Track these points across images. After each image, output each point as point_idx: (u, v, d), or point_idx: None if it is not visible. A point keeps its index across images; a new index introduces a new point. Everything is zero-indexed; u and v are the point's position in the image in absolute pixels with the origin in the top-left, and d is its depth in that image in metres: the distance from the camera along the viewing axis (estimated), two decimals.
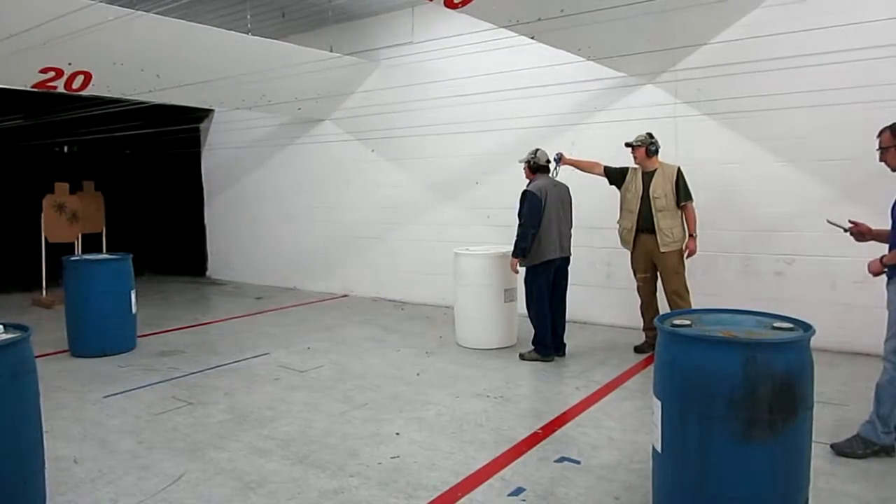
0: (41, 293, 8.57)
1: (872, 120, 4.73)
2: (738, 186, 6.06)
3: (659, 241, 5.46)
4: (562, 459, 3.60)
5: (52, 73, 6.23)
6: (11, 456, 2.69)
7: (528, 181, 5.64)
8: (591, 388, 4.84)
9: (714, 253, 6.07)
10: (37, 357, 2.96)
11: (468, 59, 7.55)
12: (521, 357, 5.63)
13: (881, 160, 3.69)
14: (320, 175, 9.35)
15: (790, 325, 2.77)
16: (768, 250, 5.93)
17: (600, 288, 6.89)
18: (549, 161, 5.67)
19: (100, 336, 5.95)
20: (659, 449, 2.75)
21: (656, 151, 5.56)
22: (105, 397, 4.78)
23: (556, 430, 4.03)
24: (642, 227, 5.56)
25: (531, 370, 5.36)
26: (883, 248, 3.61)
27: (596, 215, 6.47)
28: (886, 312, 3.55)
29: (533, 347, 5.62)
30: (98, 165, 10.77)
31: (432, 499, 3.17)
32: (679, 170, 5.51)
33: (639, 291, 5.78)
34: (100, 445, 3.89)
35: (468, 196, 7.86)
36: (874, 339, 4.31)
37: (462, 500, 3.15)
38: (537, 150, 5.67)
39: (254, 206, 10.29)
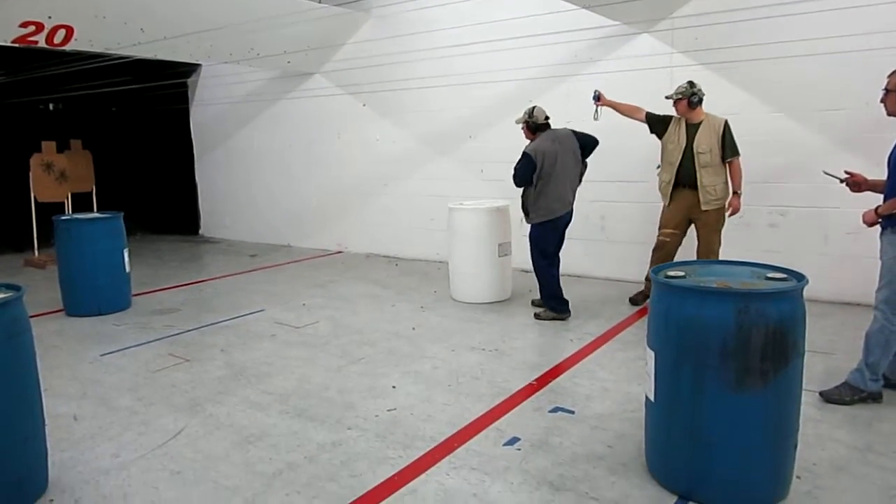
0: (33, 253, 8.53)
1: (870, 69, 4.68)
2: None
3: (701, 198, 5.20)
4: (556, 410, 3.66)
5: (32, 28, 6.05)
6: (10, 414, 2.70)
7: (528, 142, 5.34)
8: (585, 341, 4.89)
9: None
10: (32, 317, 2.95)
11: (460, 8, 7.37)
12: (538, 317, 5.46)
13: (882, 101, 3.63)
14: (312, 130, 9.22)
15: (784, 276, 2.78)
16: (762, 202, 5.92)
17: (594, 242, 6.89)
18: (547, 118, 5.32)
19: (94, 295, 5.94)
20: (652, 398, 2.80)
21: (700, 102, 5.22)
22: (102, 355, 4.81)
23: (550, 382, 4.08)
24: (682, 182, 5.27)
25: (525, 324, 5.39)
26: (878, 199, 3.61)
27: (590, 167, 6.42)
28: (879, 262, 3.57)
29: (547, 306, 5.49)
30: (85, 123, 10.59)
31: (429, 449, 3.22)
32: (726, 123, 5.19)
33: (660, 246, 5.48)
34: (99, 403, 3.92)
35: (462, 150, 7.78)
36: (865, 289, 4.35)
37: (458, 450, 3.21)
38: (534, 107, 5.34)
39: (245, 163, 10.17)
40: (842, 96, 5.43)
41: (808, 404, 3.44)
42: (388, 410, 3.71)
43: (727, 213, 5.30)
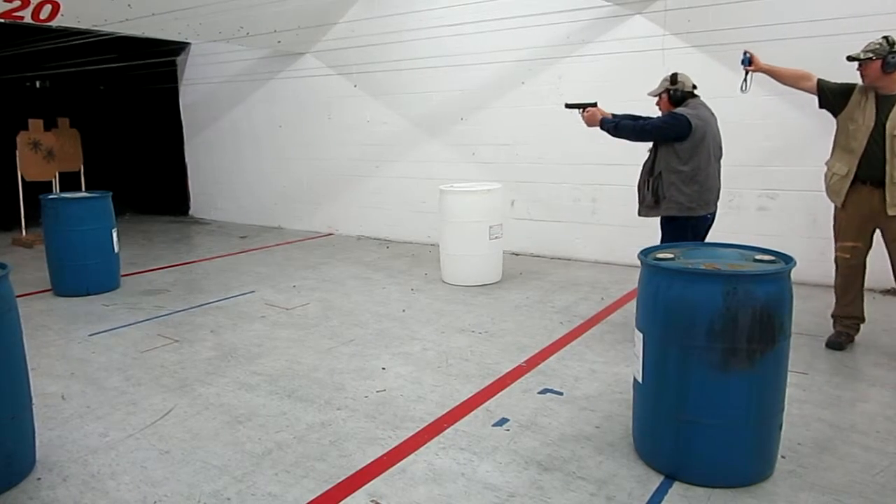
0: (21, 232, 8.45)
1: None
2: (725, 121, 5.98)
3: (888, 198, 3.77)
4: (545, 391, 3.68)
5: (17, 3, 5.94)
6: None
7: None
8: (575, 323, 4.91)
9: None
10: (19, 296, 2.93)
11: None
12: None
13: None
14: (303, 111, 9.15)
15: (772, 258, 2.80)
16: (752, 185, 5.94)
17: (584, 224, 6.90)
18: (695, 87, 4.30)
19: (82, 275, 5.91)
20: (640, 379, 2.81)
21: None
22: (90, 335, 4.79)
23: (539, 364, 4.10)
24: (864, 176, 3.84)
25: (516, 306, 5.41)
26: None
27: (581, 150, 6.42)
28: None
29: None
30: (72, 101, 10.45)
31: (418, 430, 3.24)
32: None
33: (840, 264, 4.11)
34: (87, 382, 3.91)
35: (453, 132, 7.73)
36: None
37: (448, 430, 3.23)
38: (675, 73, 4.23)
39: (235, 144, 10.09)
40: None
41: (794, 385, 3.47)
42: (378, 391, 3.72)
43: None
